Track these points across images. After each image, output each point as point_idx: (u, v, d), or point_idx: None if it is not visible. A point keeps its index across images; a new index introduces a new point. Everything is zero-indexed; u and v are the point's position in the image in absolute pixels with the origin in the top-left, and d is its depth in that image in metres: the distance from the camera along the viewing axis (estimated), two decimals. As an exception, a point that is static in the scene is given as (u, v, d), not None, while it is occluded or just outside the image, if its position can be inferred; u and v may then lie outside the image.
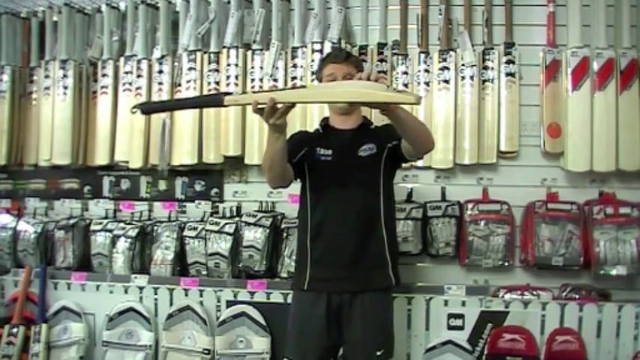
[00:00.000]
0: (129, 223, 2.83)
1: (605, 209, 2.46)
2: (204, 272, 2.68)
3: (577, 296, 2.41)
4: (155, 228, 2.79)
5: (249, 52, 2.73)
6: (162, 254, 2.72)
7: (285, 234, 2.62)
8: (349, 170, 1.99)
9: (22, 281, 2.77)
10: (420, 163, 2.62)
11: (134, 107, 1.85)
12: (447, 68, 2.60)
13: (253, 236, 2.62)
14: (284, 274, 2.58)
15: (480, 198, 2.59)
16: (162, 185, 2.97)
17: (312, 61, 2.60)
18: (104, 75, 2.93)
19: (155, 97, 2.84)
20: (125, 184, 3.02)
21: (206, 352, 2.52)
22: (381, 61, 2.67)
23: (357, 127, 2.07)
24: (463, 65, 2.60)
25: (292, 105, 1.71)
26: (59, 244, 2.86)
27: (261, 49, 2.72)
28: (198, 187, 2.93)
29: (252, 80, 2.72)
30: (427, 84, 2.63)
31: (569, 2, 2.55)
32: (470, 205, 2.56)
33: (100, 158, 2.92)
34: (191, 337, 2.55)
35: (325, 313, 1.98)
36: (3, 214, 3.06)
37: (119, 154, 2.88)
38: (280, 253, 2.62)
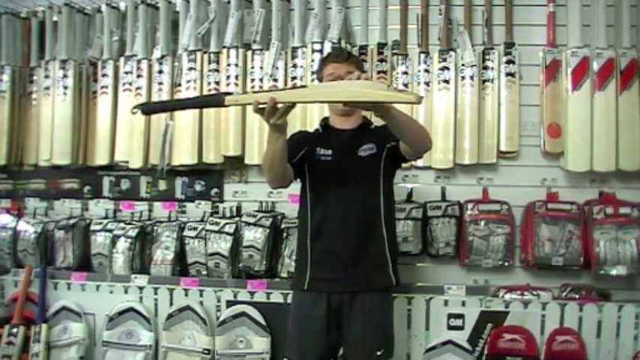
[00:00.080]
0: (129, 223, 2.83)
1: (605, 209, 2.46)
2: (204, 272, 2.68)
3: (577, 296, 2.41)
4: (155, 228, 2.79)
5: (249, 52, 2.73)
6: (162, 254, 2.72)
7: (285, 234, 2.62)
8: (349, 170, 1.99)
9: (22, 281, 2.77)
10: (420, 163, 2.62)
11: (134, 107, 1.85)
12: (447, 68, 2.60)
13: (253, 236, 2.62)
14: (284, 274, 2.58)
15: (480, 198, 2.59)
16: (162, 185, 2.97)
17: (312, 61, 2.60)
18: (104, 75, 2.93)
19: (155, 97, 2.84)
20: (125, 184, 3.02)
21: (206, 352, 2.52)
22: (381, 61, 2.67)
23: (357, 127, 2.07)
24: (463, 65, 2.60)
25: (293, 105, 1.71)
26: (59, 244, 2.86)
27: (261, 49, 2.72)
28: (198, 187, 2.93)
29: (252, 80, 2.72)
30: (427, 84, 2.63)
31: (569, 2, 2.55)
32: (470, 205, 2.56)
33: (100, 158, 2.92)
34: (191, 337, 2.55)
35: (325, 313, 1.98)
36: (3, 214, 3.06)
37: (119, 154, 2.88)
38: (280, 253, 2.62)
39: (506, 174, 2.64)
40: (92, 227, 2.85)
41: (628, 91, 2.49)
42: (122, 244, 2.76)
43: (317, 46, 2.62)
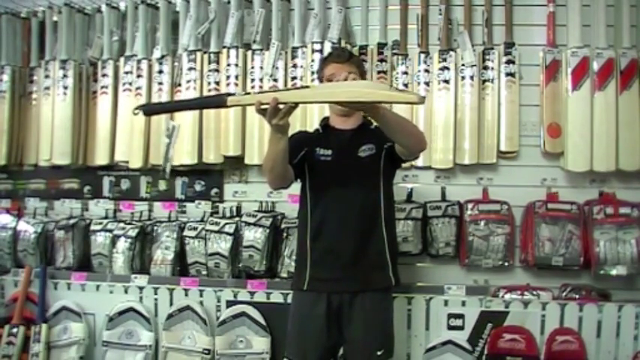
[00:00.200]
0: (129, 223, 2.83)
1: (605, 209, 2.46)
2: (204, 272, 2.68)
3: (577, 296, 2.41)
4: (155, 228, 2.79)
5: (249, 52, 2.73)
6: (163, 254, 2.72)
7: (285, 234, 2.62)
8: (349, 170, 1.99)
9: (22, 281, 2.77)
10: (420, 163, 2.62)
11: (136, 109, 1.85)
12: (447, 68, 2.60)
13: (253, 236, 2.62)
14: (284, 274, 2.58)
15: (480, 198, 2.59)
16: (162, 185, 2.97)
17: (312, 61, 2.60)
18: (104, 75, 2.93)
19: (155, 97, 2.84)
20: (125, 184, 3.02)
21: (206, 352, 2.52)
22: (381, 61, 2.67)
23: (356, 128, 2.07)
24: (463, 65, 2.60)
25: (295, 105, 1.71)
26: (59, 244, 2.86)
27: (261, 49, 2.72)
28: (198, 187, 2.93)
29: (252, 80, 2.72)
30: (427, 84, 2.63)
31: (569, 2, 2.55)
32: (470, 205, 2.56)
33: (100, 158, 2.92)
34: (191, 337, 2.55)
35: (325, 313, 1.98)
36: (3, 214, 3.06)
37: (119, 154, 2.88)
38: (280, 253, 2.62)
39: (506, 174, 2.64)
40: (92, 227, 2.85)
41: (628, 91, 2.49)
42: (122, 244, 2.76)
43: (317, 46, 2.62)
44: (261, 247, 2.60)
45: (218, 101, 1.84)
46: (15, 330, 2.67)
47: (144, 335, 2.61)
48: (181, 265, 2.73)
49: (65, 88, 2.92)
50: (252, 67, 2.72)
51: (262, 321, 2.50)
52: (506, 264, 2.53)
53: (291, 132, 1.84)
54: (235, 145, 2.72)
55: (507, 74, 2.59)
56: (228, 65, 2.73)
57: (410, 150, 1.93)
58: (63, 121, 2.91)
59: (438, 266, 2.65)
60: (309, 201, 2.04)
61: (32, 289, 2.77)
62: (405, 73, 2.66)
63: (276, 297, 2.52)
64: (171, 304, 2.62)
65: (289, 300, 2.31)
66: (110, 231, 2.80)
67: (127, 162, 2.86)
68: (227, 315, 2.53)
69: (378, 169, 2.01)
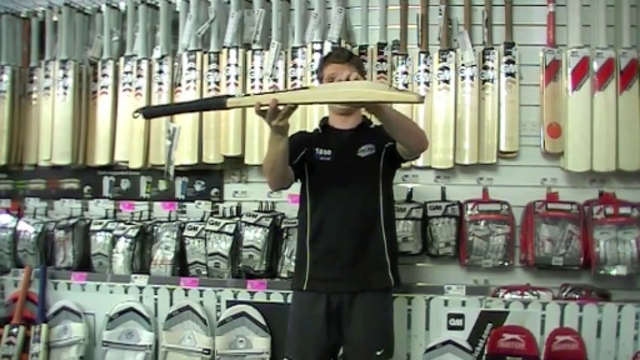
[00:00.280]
0: (129, 223, 2.83)
1: (605, 209, 2.46)
2: (204, 272, 2.68)
3: (577, 296, 2.41)
4: (155, 228, 2.79)
5: (249, 52, 2.73)
6: (163, 254, 2.72)
7: (285, 234, 2.62)
8: (348, 170, 1.99)
9: (22, 281, 2.77)
10: (420, 163, 2.62)
11: (136, 112, 1.85)
12: (447, 68, 2.60)
13: (253, 236, 2.62)
14: (284, 274, 2.58)
15: (480, 198, 2.59)
16: (162, 185, 2.97)
17: (312, 61, 2.60)
18: (104, 75, 2.93)
19: (155, 97, 2.84)
20: (125, 184, 3.02)
21: (206, 352, 2.52)
22: (381, 61, 2.67)
23: (356, 127, 2.07)
24: (463, 65, 2.60)
25: (295, 106, 1.71)
26: (59, 244, 2.86)
27: (261, 49, 2.72)
28: (198, 187, 2.93)
29: (252, 80, 2.72)
30: (427, 84, 2.63)
31: (569, 2, 2.55)
32: (470, 205, 2.56)
33: (100, 158, 2.92)
34: (191, 337, 2.55)
35: (325, 313, 1.98)
36: (3, 214, 3.06)
37: (119, 154, 2.88)
38: (280, 253, 2.62)
39: (506, 174, 2.64)
40: (92, 227, 2.85)
41: (628, 91, 2.49)
42: (122, 244, 2.76)
43: (317, 46, 2.62)
44: (261, 247, 2.60)
45: (218, 103, 1.84)
46: (15, 330, 2.67)
47: (144, 335, 2.61)
48: (181, 265, 2.73)
49: (65, 88, 2.92)
50: (252, 67, 2.72)
51: (262, 321, 2.50)
52: (506, 264, 2.53)
53: (290, 132, 1.84)
54: (235, 145, 2.72)
55: (507, 74, 2.59)
56: (228, 65, 2.73)
57: (411, 149, 1.93)
58: (63, 121, 2.91)
59: (438, 266, 2.65)
60: (308, 201, 2.04)
61: (32, 289, 2.77)
62: (405, 73, 2.66)
63: (276, 297, 2.52)
64: (171, 304, 2.62)
65: (289, 300, 2.31)
66: (110, 231, 2.80)
67: (127, 162, 2.86)
68: (227, 315, 2.53)
69: (378, 169, 2.01)
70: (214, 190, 2.90)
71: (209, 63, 2.76)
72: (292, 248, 2.52)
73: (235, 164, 2.82)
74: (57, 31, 3.00)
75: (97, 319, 2.71)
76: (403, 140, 1.88)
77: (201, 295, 2.60)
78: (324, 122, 2.13)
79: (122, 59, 2.92)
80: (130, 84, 2.88)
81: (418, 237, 2.58)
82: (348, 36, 2.73)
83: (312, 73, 2.55)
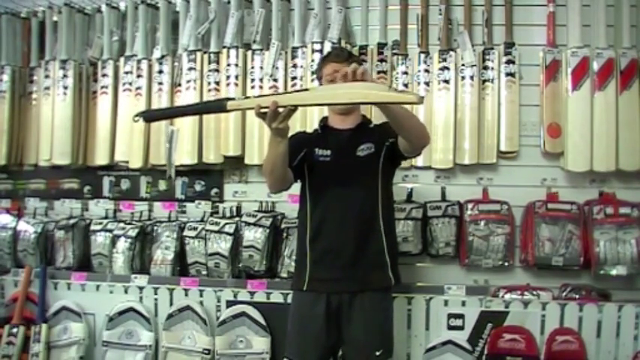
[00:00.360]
0: (129, 223, 2.83)
1: (605, 209, 2.46)
2: (204, 272, 2.68)
3: (577, 296, 2.41)
4: (155, 228, 2.79)
5: (249, 52, 2.73)
6: (163, 254, 2.72)
7: (285, 234, 2.62)
8: (348, 170, 1.99)
9: (22, 281, 2.77)
10: (420, 163, 2.62)
11: (136, 115, 1.86)
12: (447, 68, 2.60)
13: (253, 236, 2.62)
14: (284, 274, 2.58)
15: (480, 198, 2.59)
16: (162, 185, 2.97)
17: (312, 61, 2.60)
18: (104, 75, 2.93)
19: (155, 97, 2.84)
20: (125, 184, 3.02)
21: (206, 352, 2.52)
22: (381, 61, 2.67)
23: (355, 127, 2.07)
24: (463, 65, 2.60)
25: (295, 108, 1.71)
26: (59, 244, 2.86)
27: (261, 49, 2.72)
28: (198, 187, 2.93)
29: (252, 80, 2.72)
30: (427, 84, 2.63)
31: (569, 2, 2.55)
32: (470, 205, 2.56)
33: (100, 158, 2.92)
34: (191, 337, 2.55)
35: (325, 313, 1.98)
36: (3, 214, 3.06)
37: (119, 154, 2.88)
38: (280, 253, 2.62)
39: (506, 174, 2.64)
40: (92, 227, 2.85)
41: (628, 91, 2.49)
42: (122, 244, 2.76)
43: (317, 46, 2.62)
44: (261, 247, 2.60)
45: (218, 106, 1.84)
46: (15, 330, 2.67)
47: (144, 335, 2.61)
48: (181, 265, 2.73)
49: (65, 88, 2.92)
50: (252, 67, 2.72)
51: (262, 321, 2.50)
52: (506, 264, 2.53)
53: (290, 132, 1.84)
54: (235, 145, 2.72)
55: (507, 74, 2.59)
56: (228, 65, 2.73)
57: (413, 144, 1.92)
58: (63, 121, 2.91)
59: (438, 266, 2.65)
60: (308, 201, 2.04)
61: (32, 289, 2.77)
62: (405, 73, 2.66)
63: (276, 297, 2.52)
64: (171, 304, 2.62)
65: (289, 300, 2.31)
66: (110, 231, 2.80)
67: (127, 162, 2.86)
68: (227, 315, 2.53)
69: (377, 169, 2.01)
70: (214, 190, 2.90)
71: (209, 63, 2.76)
72: (292, 248, 2.52)
73: (235, 164, 2.82)
74: (57, 31, 3.00)
75: (97, 319, 2.71)
76: (406, 134, 1.87)
77: (201, 295, 2.60)
78: (324, 122, 2.13)
79: (122, 59, 2.92)
80: (130, 84, 2.88)
81: (418, 237, 2.58)
82: (348, 36, 2.73)
83: (312, 73, 2.55)
